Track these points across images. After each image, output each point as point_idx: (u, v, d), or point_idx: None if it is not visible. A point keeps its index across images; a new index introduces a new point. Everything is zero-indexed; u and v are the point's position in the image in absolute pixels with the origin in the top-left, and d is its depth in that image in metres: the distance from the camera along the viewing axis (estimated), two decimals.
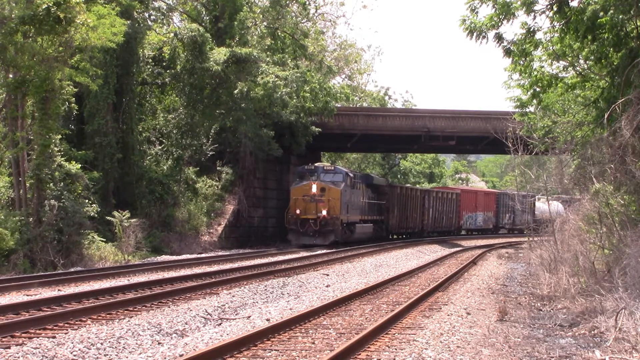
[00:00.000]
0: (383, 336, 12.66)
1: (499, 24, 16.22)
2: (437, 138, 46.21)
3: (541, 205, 70.79)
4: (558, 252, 19.47)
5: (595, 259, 16.82)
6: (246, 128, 39.22)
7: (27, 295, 17.26)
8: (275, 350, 11.45)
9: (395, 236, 50.61)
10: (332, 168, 39.66)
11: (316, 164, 39.52)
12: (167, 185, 36.57)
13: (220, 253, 33.84)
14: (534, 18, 16.28)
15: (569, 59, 18.57)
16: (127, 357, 11.25)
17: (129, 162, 33.82)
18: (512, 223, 69.81)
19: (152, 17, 42.51)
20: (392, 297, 18.23)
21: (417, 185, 71.47)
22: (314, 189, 37.35)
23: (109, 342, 11.94)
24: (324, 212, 36.93)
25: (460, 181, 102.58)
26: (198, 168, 40.70)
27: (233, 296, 17.46)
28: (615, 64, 16.84)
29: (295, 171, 39.83)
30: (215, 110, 37.45)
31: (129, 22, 30.82)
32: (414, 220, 52.04)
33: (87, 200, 28.46)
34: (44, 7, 23.52)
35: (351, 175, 39.87)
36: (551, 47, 17.98)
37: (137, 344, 12.09)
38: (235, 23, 40.18)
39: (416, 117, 47.07)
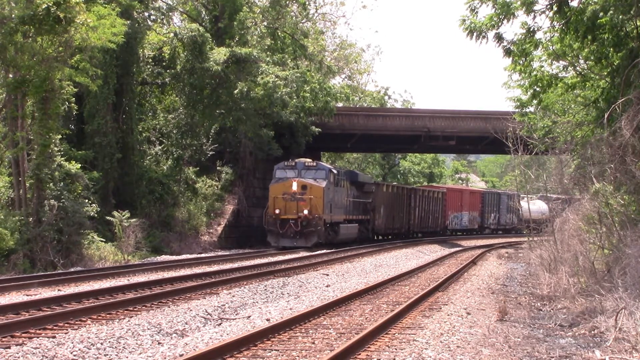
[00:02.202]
0: (383, 336, 12.65)
1: (499, 24, 16.22)
2: (437, 138, 46.22)
3: (526, 204, 70.22)
4: (558, 252, 19.47)
5: (595, 259, 16.82)
6: (246, 128, 39.22)
7: (27, 295, 17.25)
8: (275, 350, 11.45)
9: (380, 237, 47.52)
10: (314, 164, 36.40)
11: (297, 160, 36.76)
12: (167, 185, 36.58)
13: (220, 253, 33.84)
14: (534, 18, 16.30)
15: (569, 59, 18.57)
16: (127, 357, 11.25)
17: (129, 162, 33.84)
18: (497, 223, 67.96)
19: (152, 17, 42.53)
20: (392, 297, 18.23)
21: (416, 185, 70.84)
22: (295, 186, 34.72)
23: (109, 342, 11.93)
24: (306, 212, 34.32)
25: (460, 181, 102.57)
26: (198, 168, 40.72)
27: (233, 296, 17.45)
28: (615, 64, 16.85)
29: (274, 167, 36.94)
30: (215, 110, 37.45)
31: (129, 22, 30.81)
32: (401, 220, 49.33)
33: (87, 200, 28.47)
34: (44, 7, 23.50)
35: (335, 171, 37.31)
36: (551, 47, 17.99)
37: (137, 344, 12.09)
38: (235, 23, 40.21)
39: (416, 117, 47.10)
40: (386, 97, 71.16)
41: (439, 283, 20.78)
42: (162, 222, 35.34)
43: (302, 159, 37.12)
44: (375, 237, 46.07)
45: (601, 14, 15.26)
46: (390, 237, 48.95)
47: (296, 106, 42.66)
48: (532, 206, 69.73)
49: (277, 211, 34.63)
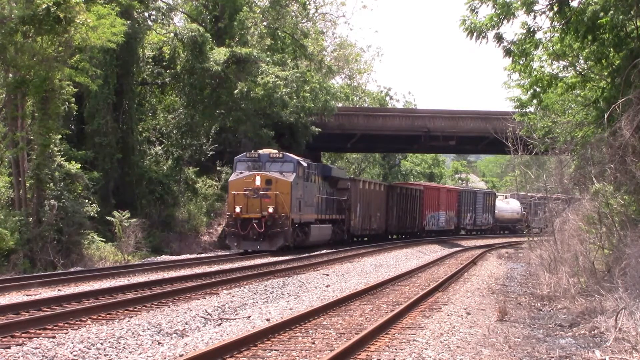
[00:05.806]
0: (383, 336, 12.65)
1: (499, 24, 16.21)
2: (437, 138, 46.29)
3: (500, 203, 69.56)
4: (558, 252, 19.47)
5: (595, 259, 16.83)
6: (246, 128, 39.23)
7: (27, 295, 17.24)
8: (275, 350, 11.44)
9: (356, 239, 43.29)
10: (280, 155, 31.81)
11: (260, 151, 32.33)
12: (167, 185, 36.59)
13: (220, 253, 33.81)
14: (534, 18, 16.29)
15: (569, 59, 18.58)
16: (127, 357, 11.25)
17: (129, 162, 33.86)
18: (473, 223, 64.33)
19: (152, 17, 42.57)
20: (392, 297, 18.22)
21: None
22: (258, 181, 30.29)
23: (109, 342, 11.93)
24: (271, 210, 30.03)
25: (460, 181, 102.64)
26: (198, 168, 40.76)
27: (233, 296, 17.45)
28: (615, 64, 16.85)
29: (234, 160, 32.51)
30: (215, 110, 37.49)
31: (129, 22, 30.85)
32: (379, 220, 45.04)
33: (87, 200, 28.49)
34: (43, 7, 23.52)
35: (304, 164, 32.66)
36: (551, 47, 17.99)
37: (137, 344, 12.09)
38: (235, 23, 40.26)
39: (416, 117, 47.19)
40: (387, 98, 71.26)
41: (439, 283, 20.77)
42: (162, 222, 35.36)
43: (267, 150, 32.96)
44: (351, 240, 41.85)
45: (601, 14, 15.26)
46: (366, 239, 45.08)
47: (296, 106, 42.68)
48: (506, 206, 69.20)
49: (237, 209, 30.25)
